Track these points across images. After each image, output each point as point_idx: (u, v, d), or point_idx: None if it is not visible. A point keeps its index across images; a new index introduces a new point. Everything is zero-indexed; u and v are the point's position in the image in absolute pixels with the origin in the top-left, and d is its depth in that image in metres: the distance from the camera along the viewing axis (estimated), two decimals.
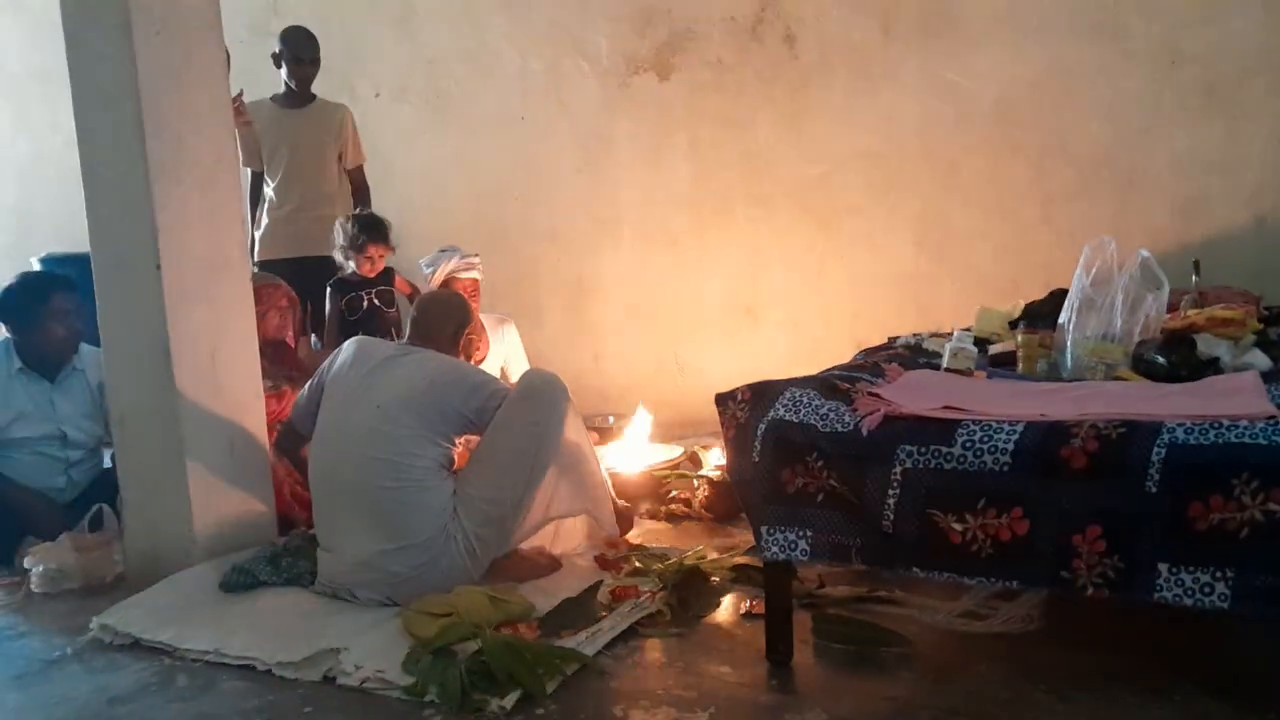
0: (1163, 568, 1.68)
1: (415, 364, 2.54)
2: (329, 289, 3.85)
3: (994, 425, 1.84)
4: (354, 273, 3.83)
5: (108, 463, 3.20)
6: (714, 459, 3.48)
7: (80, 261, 2.94)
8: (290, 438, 2.88)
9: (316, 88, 4.22)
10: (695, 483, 3.25)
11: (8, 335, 3.26)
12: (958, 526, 1.83)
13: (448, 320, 2.74)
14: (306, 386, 2.77)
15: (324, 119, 4.21)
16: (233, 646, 2.22)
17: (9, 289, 3.22)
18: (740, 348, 4.37)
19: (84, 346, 3.28)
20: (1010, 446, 1.79)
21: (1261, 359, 2.25)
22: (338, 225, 3.89)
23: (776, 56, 4.16)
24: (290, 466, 3.02)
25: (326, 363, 2.69)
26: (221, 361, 2.79)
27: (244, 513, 2.82)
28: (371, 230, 3.79)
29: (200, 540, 2.73)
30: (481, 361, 3.81)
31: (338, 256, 3.87)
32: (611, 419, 4.22)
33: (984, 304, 3.21)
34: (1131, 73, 3.58)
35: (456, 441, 2.53)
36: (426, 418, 2.45)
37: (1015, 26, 3.73)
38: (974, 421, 1.86)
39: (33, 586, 2.79)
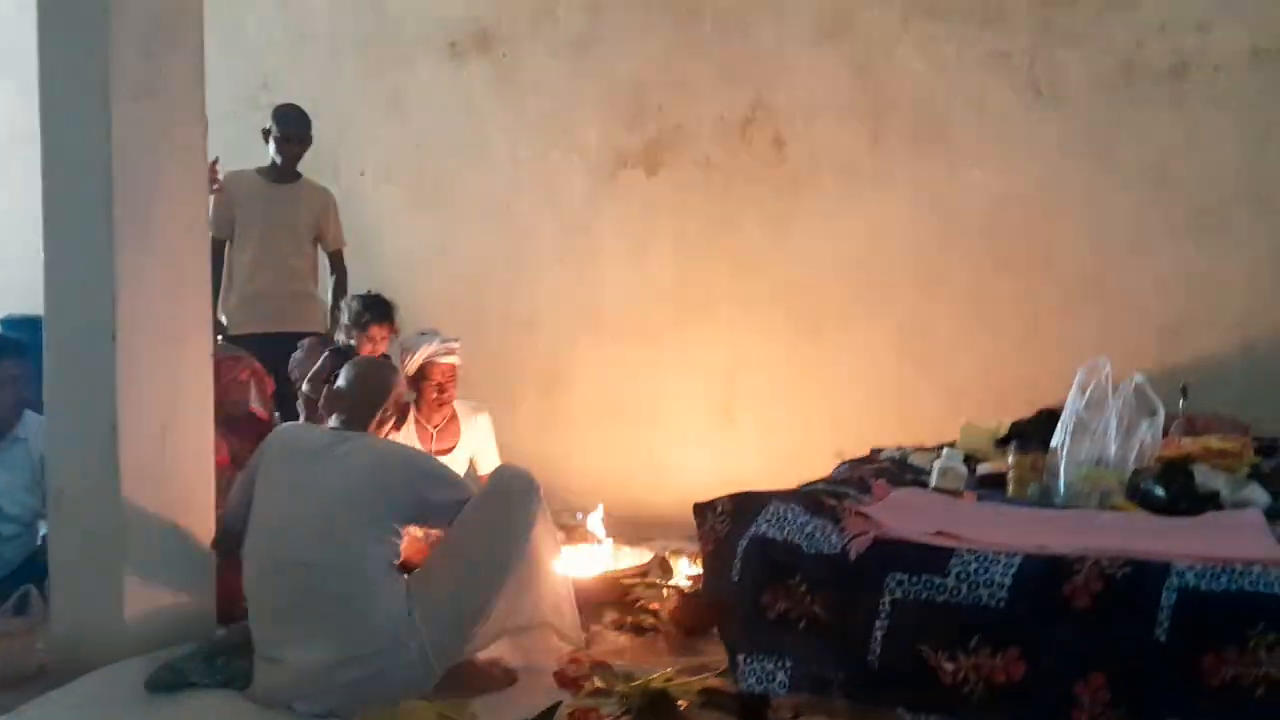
0: None
1: (355, 452, 2.33)
2: (327, 354, 3.72)
3: (990, 556, 1.73)
4: (353, 348, 3.71)
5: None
6: (685, 567, 3.33)
7: (40, 325, 2.80)
8: (227, 540, 2.55)
9: (302, 163, 4.17)
10: (664, 592, 3.09)
11: None
12: (949, 665, 1.70)
13: (381, 391, 2.51)
14: (236, 484, 2.55)
15: (306, 198, 4.15)
16: None
17: None
18: (716, 449, 4.26)
19: (29, 414, 3.11)
20: (1007, 581, 1.68)
21: (1261, 495, 2.17)
22: (344, 303, 3.85)
23: (765, 158, 4.16)
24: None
25: (255, 457, 2.48)
26: (171, 441, 2.63)
27: (181, 605, 2.62)
28: (375, 309, 3.72)
29: (131, 631, 2.52)
30: (448, 452, 3.67)
31: (340, 336, 3.77)
32: (580, 515, 4.07)
33: (967, 418, 3.14)
34: (1118, 193, 3.59)
35: (403, 533, 2.36)
36: (372, 511, 2.27)
37: (1004, 143, 3.75)
38: (969, 550, 1.75)
39: None
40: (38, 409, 2.96)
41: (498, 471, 2.55)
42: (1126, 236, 3.59)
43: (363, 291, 3.92)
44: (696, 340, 4.32)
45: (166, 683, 2.33)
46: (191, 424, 2.70)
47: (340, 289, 4.20)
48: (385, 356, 3.80)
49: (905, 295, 3.93)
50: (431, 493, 2.35)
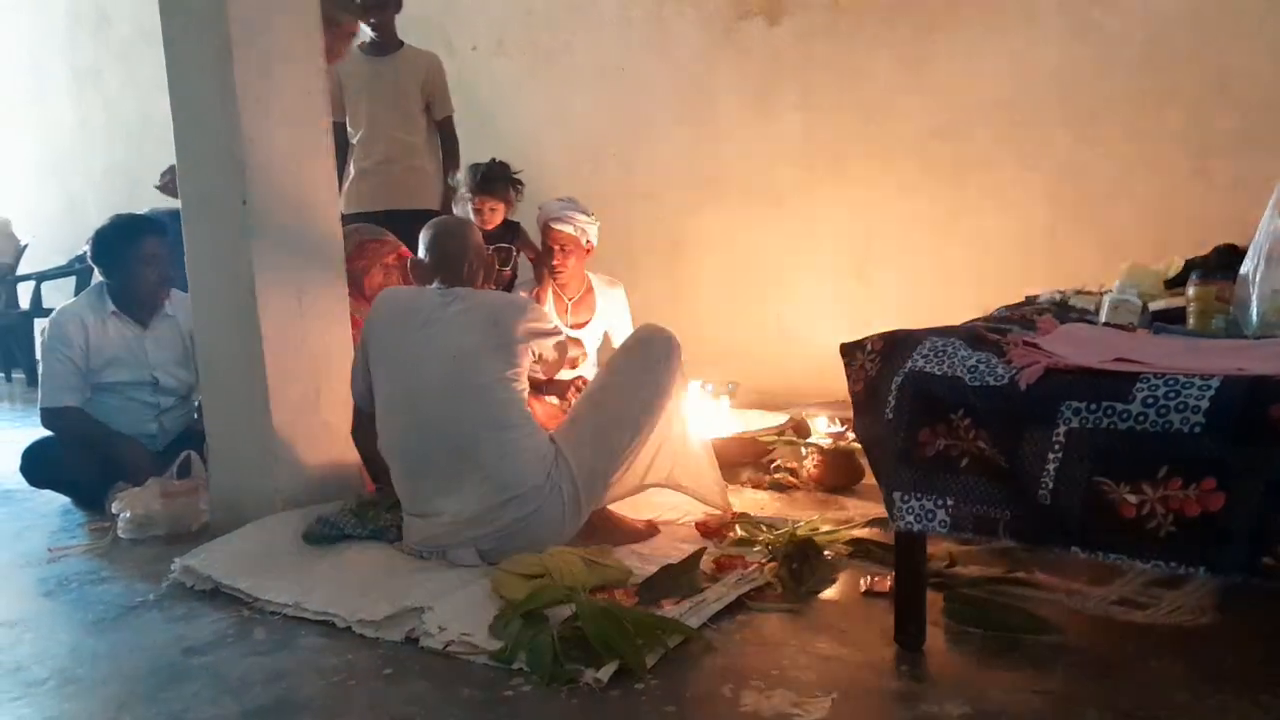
0: None
1: (468, 309, 2.33)
2: None
3: (1181, 380, 1.55)
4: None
5: None
6: (822, 426, 3.24)
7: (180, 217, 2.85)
8: (369, 426, 2.46)
9: (413, 40, 4.05)
10: (803, 450, 3.01)
11: (102, 279, 3.22)
12: (1132, 499, 1.55)
13: (459, 249, 2.46)
14: (355, 367, 2.51)
15: (409, 67, 3.96)
16: (313, 601, 2.09)
17: (101, 231, 3.17)
18: (849, 314, 4.09)
19: (176, 292, 3.23)
20: (1204, 404, 1.51)
21: None
22: (459, 175, 3.80)
23: None
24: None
25: (364, 333, 2.44)
26: (308, 304, 2.67)
27: (329, 462, 2.71)
28: (481, 181, 3.65)
29: (284, 490, 2.62)
30: (585, 325, 3.66)
31: (456, 209, 3.74)
32: (710, 387, 4.01)
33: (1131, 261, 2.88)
34: None
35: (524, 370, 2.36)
36: (503, 356, 2.28)
37: None
38: (1156, 375, 1.58)
39: (119, 532, 2.74)
40: (182, 287, 3.05)
41: (641, 327, 2.51)
42: None
43: (481, 161, 3.84)
44: (826, 200, 4.12)
45: (322, 535, 2.40)
46: (325, 286, 2.73)
47: (450, 160, 4.06)
48: (509, 223, 3.77)
49: (1056, 137, 3.62)
50: (530, 319, 2.34)
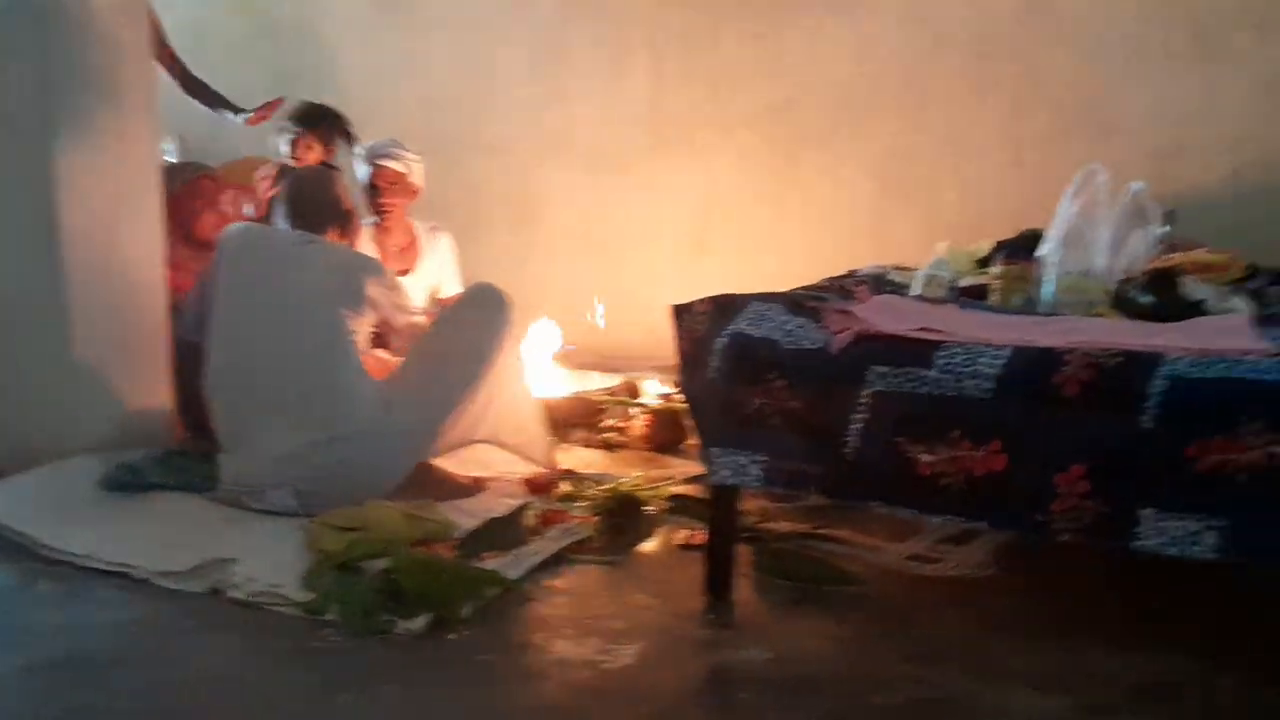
0: (1147, 513, 1.52)
1: (324, 252, 2.41)
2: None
3: (978, 348, 1.66)
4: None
5: None
6: (653, 388, 3.31)
7: None
8: (195, 357, 2.42)
9: None
10: (632, 411, 3.07)
11: None
12: (926, 458, 1.66)
13: (333, 203, 2.52)
14: (194, 291, 2.49)
15: None
16: (109, 551, 1.97)
17: None
18: (688, 280, 4.10)
19: None
20: (994, 371, 1.62)
21: (1246, 304, 2.12)
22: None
23: None
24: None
25: (214, 261, 2.41)
26: (121, 239, 2.49)
27: (137, 411, 2.54)
28: (304, 116, 3.50)
29: (85, 440, 2.44)
30: (406, 274, 3.54)
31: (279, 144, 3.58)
32: (553, 335, 4.00)
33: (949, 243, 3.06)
34: (1118, 11, 3.42)
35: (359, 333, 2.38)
36: (346, 303, 2.31)
37: None
38: (957, 344, 1.69)
39: None
40: None
41: (475, 284, 2.56)
42: (1122, 57, 3.43)
43: (302, 99, 3.68)
44: (671, 167, 4.16)
45: (123, 481, 2.26)
46: (141, 222, 2.55)
47: None
48: (329, 166, 3.62)
49: (889, 119, 3.77)
50: (381, 280, 2.41)
